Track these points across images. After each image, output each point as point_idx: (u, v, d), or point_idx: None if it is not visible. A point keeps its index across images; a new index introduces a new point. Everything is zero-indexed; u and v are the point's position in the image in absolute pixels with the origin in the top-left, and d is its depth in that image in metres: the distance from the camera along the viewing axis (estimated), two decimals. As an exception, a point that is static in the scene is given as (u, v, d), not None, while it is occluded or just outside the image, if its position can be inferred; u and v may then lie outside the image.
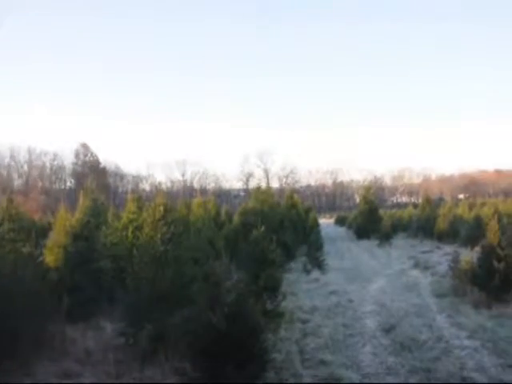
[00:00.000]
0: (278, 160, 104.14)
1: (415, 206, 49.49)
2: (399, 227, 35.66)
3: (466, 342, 7.79)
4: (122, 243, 11.29)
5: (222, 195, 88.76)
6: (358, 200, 73.47)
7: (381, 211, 41.81)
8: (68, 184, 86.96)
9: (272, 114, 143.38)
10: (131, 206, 12.16)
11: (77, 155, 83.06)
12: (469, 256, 12.44)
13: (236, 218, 19.59)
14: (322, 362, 6.93)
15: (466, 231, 22.75)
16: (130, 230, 11.41)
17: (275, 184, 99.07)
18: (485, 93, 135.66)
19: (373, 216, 33.25)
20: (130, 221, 11.73)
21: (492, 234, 10.82)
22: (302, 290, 12.83)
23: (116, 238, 11.60)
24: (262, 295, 8.39)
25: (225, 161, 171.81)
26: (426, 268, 16.43)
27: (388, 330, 8.65)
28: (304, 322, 9.22)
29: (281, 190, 77.28)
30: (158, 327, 6.81)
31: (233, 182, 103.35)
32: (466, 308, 10.16)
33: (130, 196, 13.27)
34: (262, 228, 9.18)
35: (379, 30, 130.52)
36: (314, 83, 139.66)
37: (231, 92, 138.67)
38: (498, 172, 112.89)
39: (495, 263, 10.41)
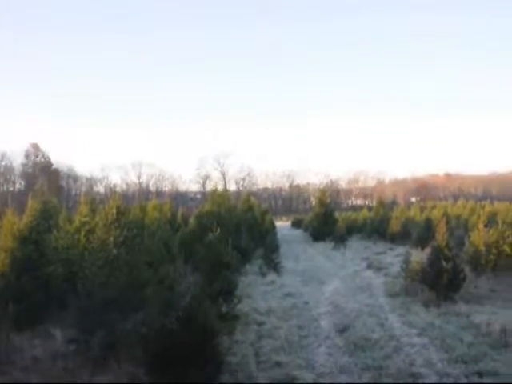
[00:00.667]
0: (235, 163, 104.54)
1: (369, 208, 50.57)
2: (354, 229, 36.37)
3: (416, 340, 8.05)
4: (74, 247, 10.94)
5: (179, 198, 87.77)
6: (314, 203, 74.48)
7: (336, 214, 42.51)
8: (17, 186, 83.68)
9: (229, 116, 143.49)
10: (84, 209, 11.82)
11: (27, 156, 79.95)
12: (419, 257, 12.83)
13: (192, 221, 19.41)
14: (277, 364, 6.97)
15: (417, 233, 23.47)
16: (83, 233, 11.08)
17: (232, 187, 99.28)
18: (432, 99, 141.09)
19: (328, 218, 33.77)
20: (83, 224, 11.39)
21: (441, 236, 11.22)
22: (257, 292, 12.85)
23: (68, 241, 11.22)
24: (217, 298, 8.33)
25: (182, 163, 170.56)
26: (379, 269, 16.84)
27: (342, 330, 8.80)
28: (260, 324, 9.24)
29: (238, 193, 77.48)
30: (110, 332, 6.64)
31: (190, 184, 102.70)
32: (416, 307, 10.50)
33: (82, 198, 12.90)
34: (218, 231, 9.14)
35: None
36: (268, 85, 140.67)
37: (187, 94, 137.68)
38: (448, 176, 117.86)
39: (444, 263, 10.81)
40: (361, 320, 9.45)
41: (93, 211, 11.68)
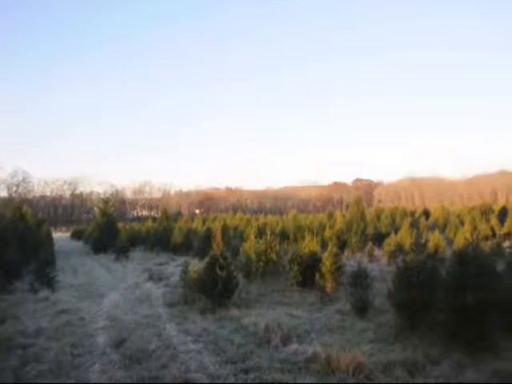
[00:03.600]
0: (8, 166, 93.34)
1: (154, 219, 50.71)
2: (138, 240, 36.04)
3: (192, 346, 8.36)
4: None
5: None
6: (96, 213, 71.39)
7: (121, 224, 41.62)
8: None
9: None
10: None
11: None
12: (197, 266, 13.39)
13: None
14: (43, 389, 6.39)
15: (199, 243, 24.58)
16: None
17: (3, 193, 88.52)
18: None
19: (111, 229, 32.77)
20: None
21: (216, 246, 11.93)
22: (26, 311, 11.59)
23: None
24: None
25: None
26: (159, 279, 17.00)
27: (119, 344, 8.56)
28: (25, 347, 8.31)
29: (10, 200, 69.41)
30: None
31: None
32: (193, 315, 10.92)
33: None
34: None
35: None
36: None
37: None
38: (228, 190, 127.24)
39: (218, 272, 11.50)
40: (138, 332, 9.36)
41: None
